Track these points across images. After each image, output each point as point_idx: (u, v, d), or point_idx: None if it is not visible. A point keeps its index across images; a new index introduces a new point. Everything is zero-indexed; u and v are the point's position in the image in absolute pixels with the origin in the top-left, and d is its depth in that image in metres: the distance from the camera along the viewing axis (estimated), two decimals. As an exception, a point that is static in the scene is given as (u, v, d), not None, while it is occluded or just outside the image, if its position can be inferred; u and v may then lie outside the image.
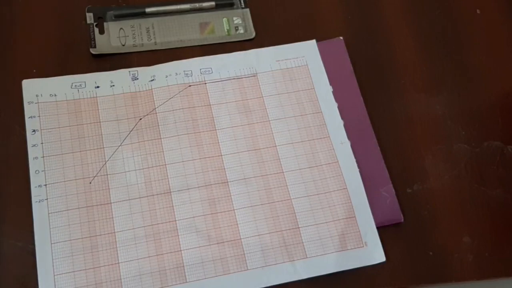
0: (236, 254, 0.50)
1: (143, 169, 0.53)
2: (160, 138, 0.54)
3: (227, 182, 0.53)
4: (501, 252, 0.52)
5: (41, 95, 0.55)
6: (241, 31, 0.61)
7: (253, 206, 0.52)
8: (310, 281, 0.50)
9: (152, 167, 0.53)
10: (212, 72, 0.58)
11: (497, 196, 0.54)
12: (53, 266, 0.48)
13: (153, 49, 0.59)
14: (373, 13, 0.63)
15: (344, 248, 0.51)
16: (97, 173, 0.52)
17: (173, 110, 0.55)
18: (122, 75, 0.57)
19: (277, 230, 0.51)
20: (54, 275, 0.48)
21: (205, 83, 0.57)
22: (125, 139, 0.54)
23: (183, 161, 0.53)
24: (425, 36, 0.62)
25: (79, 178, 0.52)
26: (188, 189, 0.52)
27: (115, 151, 0.53)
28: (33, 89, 0.55)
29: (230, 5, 0.62)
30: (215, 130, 0.55)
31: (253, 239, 0.51)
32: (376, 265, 0.51)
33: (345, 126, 0.56)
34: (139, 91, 0.56)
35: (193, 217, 0.51)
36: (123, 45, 0.59)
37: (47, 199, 0.51)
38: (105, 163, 0.53)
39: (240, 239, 0.51)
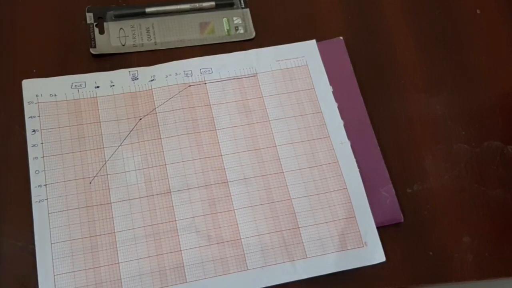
0: (236, 254, 0.50)
1: (143, 169, 0.53)
2: (160, 138, 0.54)
3: (227, 182, 0.53)
4: (501, 252, 0.52)
5: (41, 95, 0.55)
6: (241, 31, 0.61)
7: (253, 206, 0.52)
8: (310, 281, 0.50)
9: (152, 167, 0.53)
10: (212, 72, 0.58)
11: (497, 196, 0.54)
12: (53, 266, 0.48)
13: (153, 49, 0.59)
14: (373, 13, 0.63)
15: (344, 248, 0.51)
16: (97, 173, 0.52)
17: (173, 110, 0.55)
18: (122, 75, 0.57)
19: (277, 230, 0.51)
20: (54, 275, 0.48)
21: (205, 83, 0.57)
22: (125, 139, 0.54)
23: (183, 161, 0.53)
24: (425, 36, 0.62)
25: (79, 178, 0.52)
26: (188, 189, 0.52)
27: (115, 151, 0.53)
28: (33, 89, 0.55)
29: (230, 5, 0.62)
30: (215, 130, 0.55)
31: (253, 239, 0.51)
32: (376, 265, 0.51)
33: (345, 126, 0.56)
34: (139, 91, 0.56)
35: (193, 217, 0.51)
36: (123, 45, 0.59)
37: (47, 199, 0.51)
38: (105, 163, 0.53)
39: (240, 239, 0.51)
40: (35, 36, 0.59)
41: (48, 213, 0.50)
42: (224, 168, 0.53)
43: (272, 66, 0.58)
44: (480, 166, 0.56)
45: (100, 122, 0.54)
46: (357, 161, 0.54)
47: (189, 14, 0.61)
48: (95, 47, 0.58)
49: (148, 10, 0.61)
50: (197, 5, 0.62)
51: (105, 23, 0.60)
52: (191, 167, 0.53)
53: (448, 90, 0.59)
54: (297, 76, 0.58)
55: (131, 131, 0.54)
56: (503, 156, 0.56)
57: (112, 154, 0.53)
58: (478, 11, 0.64)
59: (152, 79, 0.57)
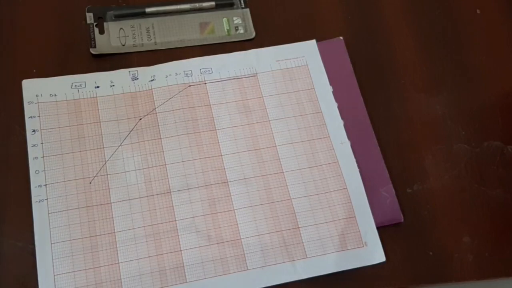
0: (236, 254, 0.50)
1: (143, 169, 0.53)
2: (160, 138, 0.54)
3: (227, 182, 0.53)
4: (501, 252, 0.52)
5: (41, 95, 0.55)
6: (241, 31, 0.61)
7: (253, 206, 0.52)
8: (310, 281, 0.50)
9: (152, 167, 0.53)
10: (212, 72, 0.58)
11: (497, 196, 0.54)
12: (53, 266, 0.48)
13: (153, 49, 0.59)
14: (373, 13, 0.63)
15: (344, 248, 0.51)
16: (97, 173, 0.52)
17: (173, 110, 0.55)
18: (122, 75, 0.57)
19: (277, 230, 0.51)
20: (54, 275, 0.48)
21: (205, 83, 0.57)
22: (125, 139, 0.54)
23: (183, 161, 0.53)
24: (425, 36, 0.62)
25: (79, 178, 0.52)
26: (188, 189, 0.52)
27: (115, 151, 0.53)
28: (33, 89, 0.55)
29: (230, 5, 0.62)
30: (215, 130, 0.55)
31: (253, 239, 0.51)
32: (376, 265, 0.51)
33: (345, 126, 0.56)
34: (139, 91, 0.56)
35: (193, 217, 0.51)
36: (123, 45, 0.59)
37: (47, 199, 0.51)
38: (105, 163, 0.53)
39: (240, 239, 0.51)
40: (35, 36, 0.59)
41: (48, 213, 0.50)
42: (224, 168, 0.53)
43: (272, 66, 0.58)
44: (480, 166, 0.56)
45: (100, 122, 0.54)
46: (357, 161, 0.54)
47: (189, 14, 0.61)
48: (95, 47, 0.58)
49: (148, 10, 0.61)
50: (197, 5, 0.62)
51: (105, 23, 0.60)
52: (191, 167, 0.53)
53: (448, 90, 0.59)
54: (297, 76, 0.58)
55: (131, 131, 0.54)
56: (503, 156, 0.56)
57: (112, 154, 0.53)
58: (478, 11, 0.64)
59: (152, 79, 0.57)
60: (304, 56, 0.59)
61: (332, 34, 0.61)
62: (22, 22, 0.59)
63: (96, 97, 0.55)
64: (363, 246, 0.51)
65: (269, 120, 0.56)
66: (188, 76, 0.57)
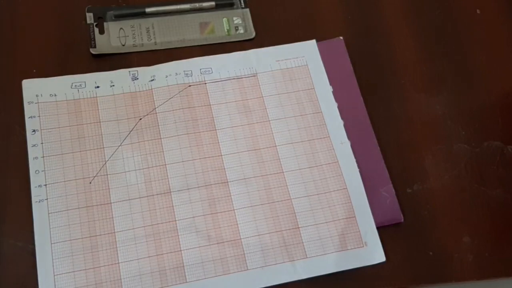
0: (236, 254, 0.50)
1: (143, 169, 0.53)
2: (160, 138, 0.54)
3: (227, 182, 0.53)
4: (501, 252, 0.52)
5: (41, 95, 0.55)
6: (241, 31, 0.61)
7: (253, 206, 0.52)
8: (310, 281, 0.50)
9: (152, 167, 0.53)
10: (212, 72, 0.58)
11: (497, 196, 0.54)
12: (53, 266, 0.48)
13: (153, 49, 0.59)
14: (373, 13, 0.63)
15: (344, 248, 0.51)
16: (97, 173, 0.52)
17: (173, 110, 0.55)
18: (122, 75, 0.57)
19: (277, 230, 0.51)
20: (54, 275, 0.48)
21: (205, 83, 0.57)
22: (125, 139, 0.54)
23: (183, 161, 0.53)
24: (425, 36, 0.62)
25: (79, 178, 0.52)
26: (188, 189, 0.52)
27: (115, 151, 0.53)
28: (33, 89, 0.55)
29: (230, 5, 0.62)
30: (215, 130, 0.55)
31: (253, 239, 0.51)
32: (376, 265, 0.51)
33: (345, 126, 0.56)
34: (139, 91, 0.56)
35: (193, 217, 0.51)
36: (123, 45, 0.59)
37: (47, 199, 0.51)
38: (105, 163, 0.53)
39: (240, 239, 0.51)
40: (35, 36, 0.59)
41: (48, 213, 0.50)
42: (224, 168, 0.53)
43: (272, 66, 0.58)
44: (480, 166, 0.56)
45: (100, 122, 0.54)
46: (357, 161, 0.54)
47: (189, 14, 0.61)
48: (95, 47, 0.58)
49: (148, 10, 0.61)
50: (197, 5, 0.62)
51: (105, 23, 0.60)
52: (191, 167, 0.53)
53: (448, 90, 0.59)
54: (297, 76, 0.58)
55: (131, 131, 0.54)
56: (503, 156, 0.56)
57: (112, 154, 0.53)
58: (478, 11, 0.64)
59: (152, 79, 0.57)
60: (304, 56, 0.59)
61: (332, 34, 0.61)
62: (22, 22, 0.59)
63: (96, 97, 0.55)
64: (363, 246, 0.51)
65: (269, 120, 0.56)
66: (188, 76, 0.57)
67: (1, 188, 0.51)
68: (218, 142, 0.54)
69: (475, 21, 0.63)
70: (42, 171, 0.52)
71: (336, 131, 0.56)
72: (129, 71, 0.57)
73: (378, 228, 0.52)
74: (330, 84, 0.58)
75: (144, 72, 0.57)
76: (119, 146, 0.53)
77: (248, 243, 0.51)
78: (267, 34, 0.61)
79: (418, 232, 0.52)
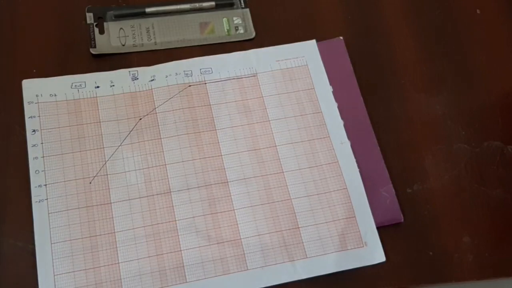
0: (236, 254, 0.50)
1: (143, 169, 0.53)
2: (160, 138, 0.54)
3: (227, 182, 0.53)
4: (501, 252, 0.52)
5: (41, 95, 0.55)
6: (241, 31, 0.61)
7: (253, 206, 0.52)
8: (310, 281, 0.50)
9: (152, 167, 0.53)
10: (212, 72, 0.58)
11: (497, 196, 0.54)
12: (53, 266, 0.48)
13: (153, 49, 0.59)
14: (373, 13, 0.63)
15: (344, 248, 0.51)
16: (97, 173, 0.52)
17: (173, 110, 0.55)
18: (122, 75, 0.57)
19: (277, 230, 0.51)
20: (54, 275, 0.48)
21: (205, 83, 0.57)
22: (125, 139, 0.54)
23: (183, 161, 0.53)
24: (425, 36, 0.62)
25: (79, 178, 0.52)
26: (188, 189, 0.52)
27: (115, 151, 0.53)
28: (33, 89, 0.55)
29: (230, 5, 0.62)
30: (215, 130, 0.55)
31: (253, 239, 0.51)
32: (376, 265, 0.51)
33: (345, 126, 0.56)
34: (139, 91, 0.56)
35: (193, 217, 0.51)
36: (123, 45, 0.59)
37: (47, 199, 0.51)
38: (105, 163, 0.53)
39: (240, 239, 0.51)
40: (35, 36, 0.59)
41: (48, 213, 0.50)
42: (224, 168, 0.53)
43: (272, 66, 0.58)
44: (480, 166, 0.56)
45: (100, 122, 0.54)
46: (357, 161, 0.54)
47: (189, 14, 0.61)
48: (95, 47, 0.58)
49: (148, 10, 0.61)
50: (197, 5, 0.62)
51: (105, 23, 0.60)
52: (191, 167, 0.53)
53: (448, 90, 0.59)
54: (297, 76, 0.58)
55: (131, 131, 0.54)
56: (503, 156, 0.56)
57: (112, 154, 0.53)
58: (478, 11, 0.64)
59: (152, 79, 0.57)
60: (304, 56, 0.59)
61: (332, 34, 0.61)
62: (22, 22, 0.59)
63: (96, 97, 0.55)
64: (363, 246, 0.51)
65: (269, 120, 0.56)
66: (188, 76, 0.57)
67: (1, 188, 0.51)
68: (218, 142, 0.54)
69: (475, 21, 0.63)
70: (42, 171, 0.52)
71: (336, 131, 0.56)
72: (129, 71, 0.57)
73: (378, 228, 0.52)
74: (330, 84, 0.58)
75: (144, 72, 0.57)
76: (119, 146, 0.53)
77: (248, 243, 0.51)
78: (267, 34, 0.61)
79: (418, 232, 0.52)
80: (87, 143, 0.53)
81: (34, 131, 0.53)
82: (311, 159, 0.54)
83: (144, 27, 0.60)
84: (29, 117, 0.54)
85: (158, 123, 0.55)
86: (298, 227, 0.51)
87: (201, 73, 0.57)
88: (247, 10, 0.62)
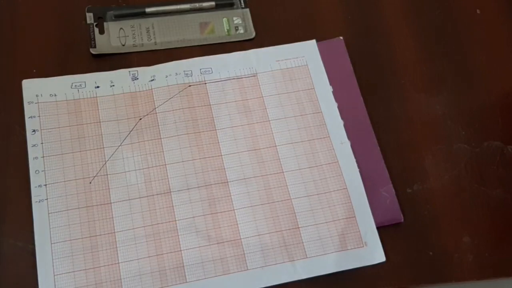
0: (236, 254, 0.50)
1: (143, 169, 0.53)
2: (160, 138, 0.54)
3: (227, 182, 0.53)
4: (501, 252, 0.52)
5: (41, 95, 0.55)
6: (241, 31, 0.61)
7: (253, 206, 0.52)
8: (310, 281, 0.50)
9: (152, 167, 0.53)
10: (212, 72, 0.58)
11: (497, 196, 0.54)
12: (53, 266, 0.48)
13: (153, 49, 0.59)
14: (373, 13, 0.63)
15: (344, 248, 0.51)
16: (97, 173, 0.52)
17: (173, 110, 0.55)
18: (122, 75, 0.57)
19: (277, 230, 0.51)
20: (54, 275, 0.48)
21: (205, 83, 0.57)
22: (125, 139, 0.54)
23: (183, 161, 0.53)
24: (425, 36, 0.62)
25: (79, 178, 0.52)
26: (188, 189, 0.52)
27: (115, 151, 0.53)
28: (33, 89, 0.55)
29: (230, 5, 0.62)
30: (215, 130, 0.55)
31: (253, 239, 0.51)
32: (376, 265, 0.51)
33: (345, 126, 0.56)
34: (139, 91, 0.56)
35: (193, 217, 0.51)
36: (123, 45, 0.59)
37: (47, 199, 0.51)
38: (105, 163, 0.53)
39: (240, 239, 0.51)
40: (35, 36, 0.59)
41: (48, 213, 0.50)
42: (224, 168, 0.53)
43: (272, 66, 0.58)
44: (480, 166, 0.56)
45: (100, 122, 0.54)
46: (357, 161, 0.54)
47: (189, 14, 0.61)
48: (95, 47, 0.58)
49: (148, 10, 0.61)
50: (197, 5, 0.62)
51: (105, 23, 0.60)
52: (191, 167, 0.53)
53: (448, 90, 0.59)
54: (297, 76, 0.58)
55: (131, 131, 0.54)
56: (503, 156, 0.56)
57: (112, 154, 0.53)
58: (478, 11, 0.64)
59: (152, 79, 0.57)
60: (304, 56, 0.59)
61: (332, 34, 0.61)
62: (22, 22, 0.59)
63: (96, 97, 0.55)
64: (363, 246, 0.51)
65: (269, 120, 0.56)
66: (188, 76, 0.57)
67: (1, 188, 0.51)
68: (218, 142, 0.54)
69: (475, 21, 0.63)
70: (42, 171, 0.52)
71: (336, 131, 0.56)
72: (129, 71, 0.57)
73: (378, 228, 0.52)
74: (330, 84, 0.58)
75: (144, 72, 0.57)
76: (119, 146, 0.53)
77: (248, 243, 0.51)
78: (267, 34, 0.61)
79: (418, 232, 0.52)
80: (87, 143, 0.53)
81: (34, 131, 0.53)
82: (311, 159, 0.54)
83: (144, 27, 0.60)
84: (29, 117, 0.54)
85: (158, 123, 0.55)
86: (298, 227, 0.51)
87: (201, 73, 0.57)
88: (247, 10, 0.62)
